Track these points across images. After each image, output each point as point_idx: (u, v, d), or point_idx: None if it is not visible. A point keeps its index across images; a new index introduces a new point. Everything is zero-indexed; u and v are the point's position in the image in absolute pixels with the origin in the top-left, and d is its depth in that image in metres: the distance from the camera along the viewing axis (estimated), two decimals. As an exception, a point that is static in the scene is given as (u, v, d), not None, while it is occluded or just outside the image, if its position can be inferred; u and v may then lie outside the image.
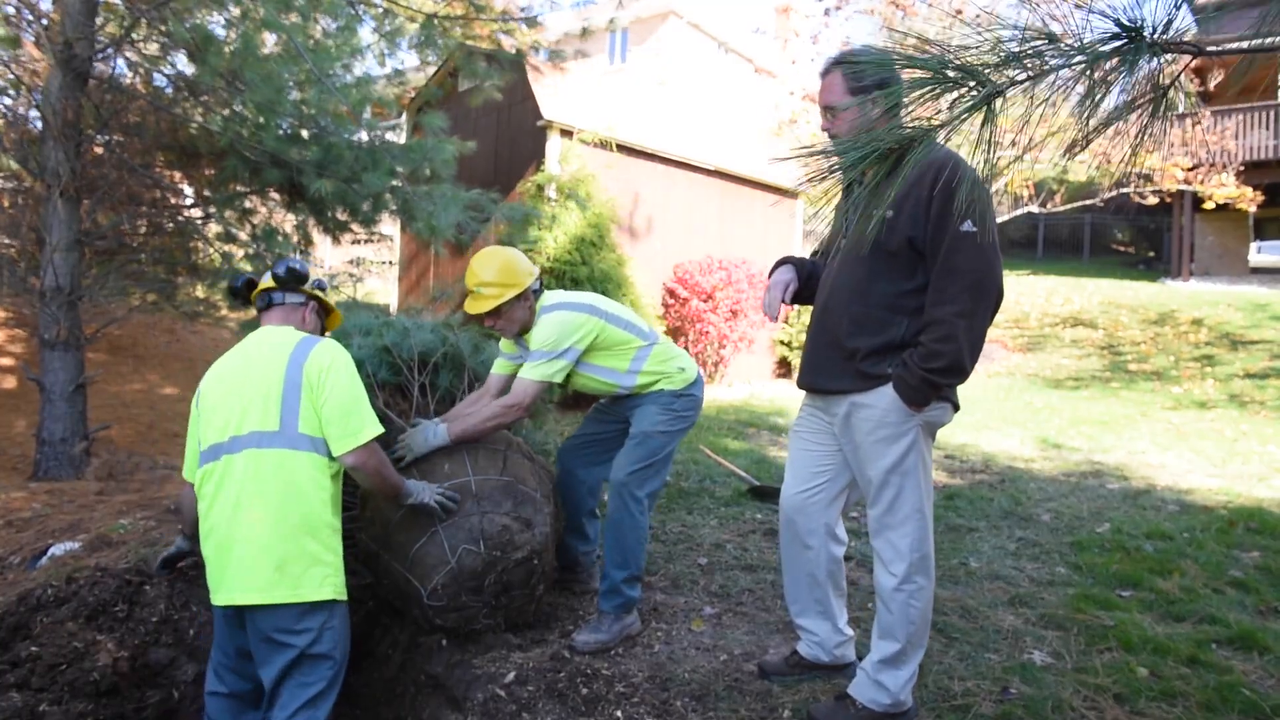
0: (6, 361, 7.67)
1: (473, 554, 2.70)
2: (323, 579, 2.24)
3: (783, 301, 2.48)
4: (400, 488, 2.55)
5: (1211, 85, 14.11)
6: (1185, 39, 1.24)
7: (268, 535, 2.20)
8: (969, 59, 1.23)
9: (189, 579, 3.20)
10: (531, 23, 6.86)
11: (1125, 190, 15.54)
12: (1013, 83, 1.22)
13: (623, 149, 9.85)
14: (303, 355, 2.33)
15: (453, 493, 2.71)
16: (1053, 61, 1.20)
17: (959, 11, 15.79)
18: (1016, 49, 1.21)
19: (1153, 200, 15.00)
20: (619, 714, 2.40)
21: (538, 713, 2.41)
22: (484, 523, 2.73)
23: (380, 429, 2.37)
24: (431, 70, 10.30)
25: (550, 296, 3.03)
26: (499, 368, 3.14)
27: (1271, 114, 15.28)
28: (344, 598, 2.33)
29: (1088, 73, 1.20)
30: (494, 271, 2.88)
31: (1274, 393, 9.11)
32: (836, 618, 2.61)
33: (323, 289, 2.63)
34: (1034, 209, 17.04)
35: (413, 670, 2.89)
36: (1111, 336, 12.70)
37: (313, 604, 2.23)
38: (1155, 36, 1.21)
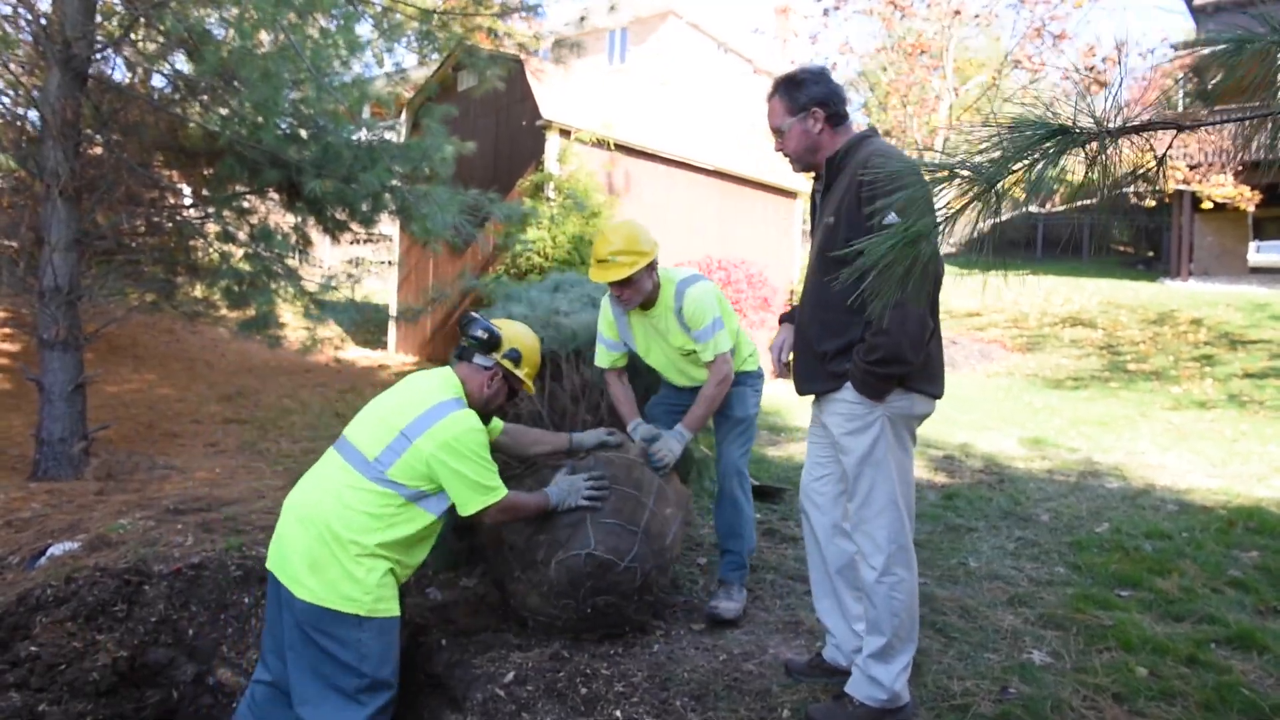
0: (5, 361, 7.67)
1: (602, 561, 2.72)
2: (351, 595, 2.28)
3: (782, 361, 2.67)
4: (545, 506, 2.72)
5: (1210, 85, 14.08)
6: (1158, 119, 1.57)
7: (306, 531, 2.32)
8: (973, 157, 1.58)
9: (188, 579, 3.20)
10: (530, 11, 6.82)
11: (1124, 190, 15.52)
12: (1011, 173, 1.55)
13: (621, 148, 9.84)
14: (430, 420, 2.43)
15: (601, 478, 2.82)
16: (1037, 156, 1.52)
17: (957, 12, 15.75)
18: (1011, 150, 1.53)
19: (1150, 202, 15.00)
20: (618, 713, 2.40)
21: (537, 712, 2.41)
22: (632, 555, 2.76)
23: (503, 490, 2.53)
24: (431, 69, 10.29)
25: (670, 273, 3.17)
26: (612, 363, 3.26)
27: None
28: (379, 615, 2.33)
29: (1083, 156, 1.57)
30: (624, 240, 3.01)
31: (1273, 392, 9.11)
32: (852, 619, 2.61)
33: (514, 360, 2.67)
34: (1033, 209, 17.01)
35: (412, 670, 2.89)
36: (1111, 336, 12.70)
37: (338, 612, 2.27)
38: (1108, 126, 1.51)
